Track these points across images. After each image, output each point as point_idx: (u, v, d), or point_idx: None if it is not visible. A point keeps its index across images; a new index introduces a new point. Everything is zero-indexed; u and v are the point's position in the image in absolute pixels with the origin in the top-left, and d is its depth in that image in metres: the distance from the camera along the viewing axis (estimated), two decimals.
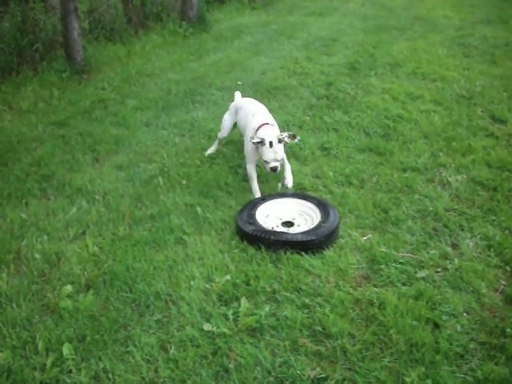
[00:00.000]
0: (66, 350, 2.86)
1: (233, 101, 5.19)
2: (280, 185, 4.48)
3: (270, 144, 4.10)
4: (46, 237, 3.98)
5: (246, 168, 4.50)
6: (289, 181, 4.40)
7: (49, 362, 2.80)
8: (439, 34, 10.51)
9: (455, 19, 12.09)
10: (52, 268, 3.63)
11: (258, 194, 4.36)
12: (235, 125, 5.03)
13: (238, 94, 5.26)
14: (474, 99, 6.66)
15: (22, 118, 6.59)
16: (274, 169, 4.16)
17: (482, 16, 12.31)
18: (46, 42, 8.60)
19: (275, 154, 4.12)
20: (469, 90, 6.96)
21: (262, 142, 4.11)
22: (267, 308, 3.14)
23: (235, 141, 5.41)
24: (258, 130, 4.26)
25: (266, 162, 4.16)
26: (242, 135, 4.92)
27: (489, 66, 8.11)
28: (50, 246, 3.85)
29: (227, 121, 5.07)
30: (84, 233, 4.04)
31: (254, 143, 4.14)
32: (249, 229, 3.74)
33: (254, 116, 4.50)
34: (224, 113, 5.23)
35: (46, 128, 6.20)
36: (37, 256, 3.73)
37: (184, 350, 2.88)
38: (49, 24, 8.68)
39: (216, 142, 5.28)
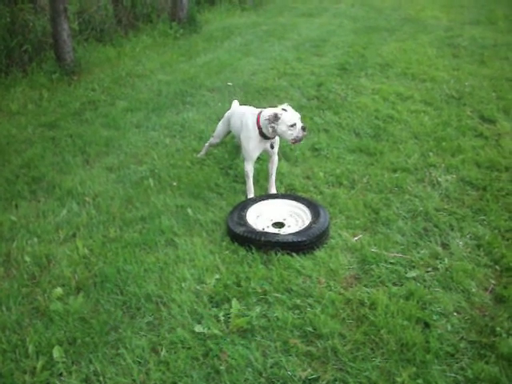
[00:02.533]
0: (57, 352, 2.85)
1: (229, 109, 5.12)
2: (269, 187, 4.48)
3: (284, 110, 4.06)
4: (36, 239, 3.95)
5: (244, 167, 4.40)
6: (273, 190, 4.44)
7: (39, 365, 2.78)
8: (428, 34, 10.58)
9: (444, 20, 12.18)
10: (42, 271, 3.61)
11: (251, 194, 4.36)
12: (228, 134, 4.99)
13: (235, 103, 5.14)
14: (464, 99, 6.71)
15: (11, 119, 6.55)
16: (304, 127, 4.00)
17: (471, 17, 12.41)
18: (36, 43, 8.57)
19: (296, 114, 4.06)
20: (458, 91, 7.01)
21: (276, 116, 4.01)
22: (258, 309, 3.13)
23: (225, 142, 5.41)
24: (260, 113, 4.19)
25: (293, 125, 3.98)
26: (235, 137, 4.88)
27: (478, 67, 8.18)
28: (41, 249, 3.82)
29: (220, 128, 5.01)
30: (74, 235, 4.02)
31: (269, 120, 4.02)
32: (239, 230, 3.74)
33: (247, 111, 4.46)
34: (215, 114, 5.20)
35: (36, 130, 6.17)
36: (27, 259, 3.70)
37: (175, 352, 2.87)
38: (38, 25, 8.64)
39: (206, 145, 5.25)
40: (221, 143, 5.34)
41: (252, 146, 4.26)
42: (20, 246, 3.87)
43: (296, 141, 4.06)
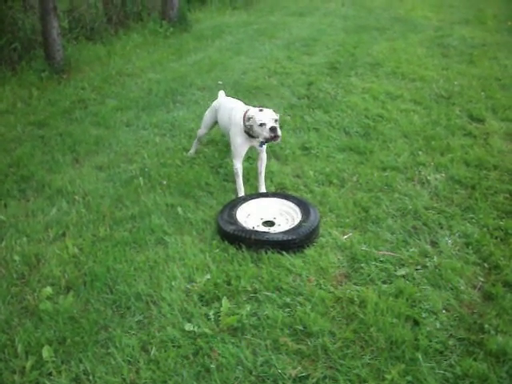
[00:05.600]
0: (46, 352, 2.84)
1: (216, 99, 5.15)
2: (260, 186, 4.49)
3: (260, 110, 4.14)
4: (25, 238, 3.93)
5: (233, 165, 4.41)
6: (263, 188, 4.47)
7: (28, 364, 2.77)
8: (418, 34, 10.62)
9: (434, 20, 12.23)
10: (31, 270, 3.59)
11: (241, 192, 4.37)
12: (215, 124, 5.00)
13: (221, 93, 5.21)
14: (453, 99, 6.74)
15: (0, 118, 6.50)
16: (273, 128, 4.01)
17: (461, 16, 12.47)
18: (25, 41, 8.52)
19: (270, 114, 4.10)
20: (447, 90, 7.05)
21: (249, 116, 4.14)
22: (248, 307, 3.14)
23: (216, 141, 5.41)
24: (246, 112, 4.25)
25: (262, 125, 4.04)
26: (224, 135, 4.89)
27: (467, 66, 8.22)
28: (30, 248, 3.80)
29: (207, 118, 5.04)
30: (64, 234, 4.01)
31: (244, 118, 4.18)
32: (230, 228, 3.74)
33: (236, 106, 4.51)
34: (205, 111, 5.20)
35: (25, 128, 6.14)
36: (16, 258, 3.68)
37: (165, 351, 2.87)
38: (27, 23, 8.60)
39: (195, 141, 5.25)
40: (211, 142, 5.35)
41: (240, 142, 4.30)
42: (9, 245, 3.85)
43: (266, 141, 4.14)
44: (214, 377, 2.70)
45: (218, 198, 4.40)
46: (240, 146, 4.31)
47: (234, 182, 4.44)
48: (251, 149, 4.42)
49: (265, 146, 4.38)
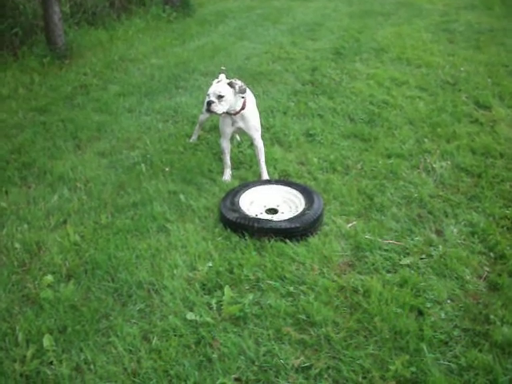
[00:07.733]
0: (47, 341, 2.82)
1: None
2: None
3: (217, 82, 4.18)
4: (26, 226, 3.90)
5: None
6: (265, 175, 4.43)
7: (29, 353, 2.75)
8: (424, 19, 10.50)
9: (439, 5, 12.08)
10: (32, 258, 3.57)
11: (228, 168, 4.45)
12: None
13: (221, 76, 5.13)
14: (459, 85, 6.66)
15: (1, 104, 6.46)
16: (208, 103, 4.05)
17: (466, 2, 12.31)
18: (26, 26, 8.44)
19: (215, 88, 4.08)
20: (453, 76, 6.96)
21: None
22: (251, 296, 3.11)
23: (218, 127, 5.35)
24: None
25: (207, 96, 4.13)
26: None
27: (473, 52, 8.12)
28: (31, 235, 3.78)
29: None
30: (65, 221, 3.97)
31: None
32: (232, 216, 3.70)
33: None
34: None
35: (27, 114, 6.09)
36: (17, 245, 3.66)
37: (167, 340, 2.84)
38: (29, 8, 8.52)
39: (197, 127, 5.20)
40: (214, 128, 5.30)
41: (221, 119, 4.37)
42: (10, 232, 3.82)
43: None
44: (215, 366, 2.68)
45: (220, 185, 4.36)
46: (221, 122, 4.38)
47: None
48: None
49: (258, 134, 4.38)
